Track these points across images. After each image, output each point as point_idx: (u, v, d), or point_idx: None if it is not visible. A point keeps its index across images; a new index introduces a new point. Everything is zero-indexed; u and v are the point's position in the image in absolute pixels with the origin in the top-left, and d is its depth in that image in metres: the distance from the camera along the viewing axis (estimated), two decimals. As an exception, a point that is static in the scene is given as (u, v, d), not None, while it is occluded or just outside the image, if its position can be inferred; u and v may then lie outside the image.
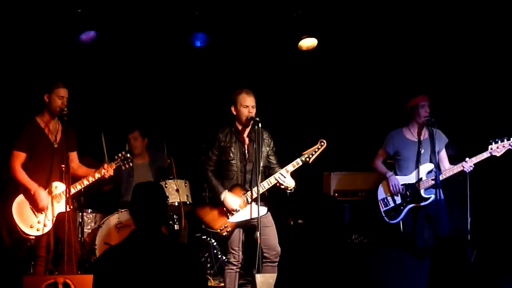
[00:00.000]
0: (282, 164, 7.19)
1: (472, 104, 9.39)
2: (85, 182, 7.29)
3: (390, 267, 4.15)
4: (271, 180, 7.10)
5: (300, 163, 7.13)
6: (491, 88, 9.32)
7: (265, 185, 7.10)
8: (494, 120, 9.18)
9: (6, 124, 8.35)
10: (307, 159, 7.15)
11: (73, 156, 7.47)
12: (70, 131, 7.37)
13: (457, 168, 7.73)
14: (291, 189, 7.14)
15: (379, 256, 4.22)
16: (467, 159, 7.69)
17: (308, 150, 7.18)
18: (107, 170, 7.31)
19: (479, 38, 9.12)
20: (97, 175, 7.31)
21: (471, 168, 7.70)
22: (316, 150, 7.19)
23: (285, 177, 7.08)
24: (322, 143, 7.20)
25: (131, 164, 7.54)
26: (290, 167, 7.11)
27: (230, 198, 7.08)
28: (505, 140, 7.69)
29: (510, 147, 7.69)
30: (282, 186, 7.10)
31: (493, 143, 7.69)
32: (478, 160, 7.70)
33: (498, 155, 7.69)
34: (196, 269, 4.55)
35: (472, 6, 8.84)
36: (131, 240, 4.53)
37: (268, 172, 7.21)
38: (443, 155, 7.89)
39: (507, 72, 9.14)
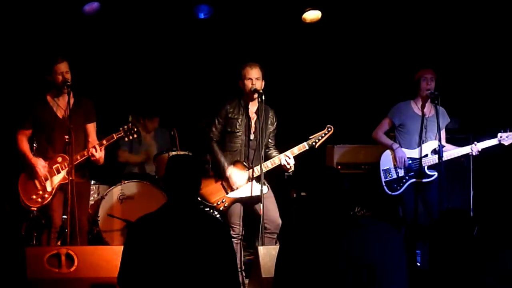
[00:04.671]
0: (283, 145, 7.18)
1: (476, 79, 9.34)
2: (78, 158, 7.08)
3: (374, 245, 4.13)
4: (275, 161, 7.07)
5: (307, 147, 7.13)
6: (495, 65, 9.26)
7: (268, 165, 7.07)
8: (497, 96, 9.16)
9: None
10: (314, 143, 7.14)
11: (89, 128, 7.30)
12: (84, 102, 7.28)
13: (464, 150, 7.70)
14: (290, 172, 7.17)
15: (363, 232, 4.20)
16: (475, 143, 7.65)
17: (315, 135, 7.18)
18: (96, 150, 7.08)
19: (487, 14, 9.05)
20: (85, 154, 7.11)
21: (478, 153, 7.67)
22: (323, 135, 7.20)
23: (290, 160, 7.06)
24: (330, 129, 7.21)
25: (135, 136, 7.34)
26: (296, 150, 7.10)
27: (236, 175, 7.05)
28: None
29: None
30: (288, 167, 7.08)
31: (503, 131, 7.67)
32: (485, 146, 7.68)
33: (506, 144, 7.68)
34: (228, 244, 4.58)
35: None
36: (164, 211, 4.54)
37: (264, 151, 7.15)
38: (442, 135, 7.79)
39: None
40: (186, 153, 8.83)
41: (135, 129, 7.26)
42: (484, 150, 7.71)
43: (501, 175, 8.96)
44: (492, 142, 7.69)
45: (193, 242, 4.40)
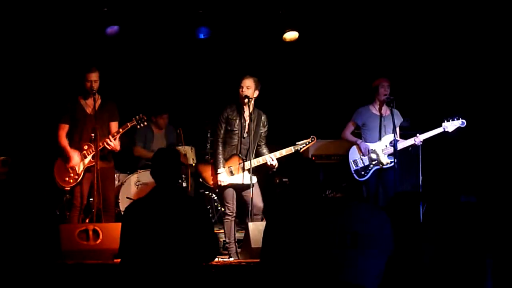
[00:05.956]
0: (272, 145, 7.19)
1: (426, 86, 9.37)
2: (100, 145, 7.05)
3: (358, 218, 4.12)
4: (260, 160, 7.05)
5: (293, 151, 7.11)
6: (440, 77, 9.30)
7: (260, 160, 7.06)
8: (441, 101, 9.18)
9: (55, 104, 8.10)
10: (299, 148, 7.14)
11: (112, 126, 7.24)
12: (109, 104, 7.26)
13: (409, 142, 7.71)
14: (274, 170, 7.14)
15: (350, 208, 4.18)
16: (418, 134, 7.66)
17: (301, 142, 7.18)
18: (110, 140, 7.05)
19: (433, 30, 9.08)
20: (101, 145, 7.08)
21: (421, 143, 7.68)
22: (307, 143, 7.20)
23: (273, 161, 7.05)
24: (313, 139, 7.22)
25: (145, 124, 7.26)
26: (284, 152, 7.09)
27: (223, 177, 7.02)
28: (456, 119, 7.66)
29: (460, 125, 7.67)
30: (271, 166, 7.08)
31: (446, 121, 7.68)
32: (430, 135, 7.69)
33: (450, 130, 7.68)
34: (205, 217, 4.56)
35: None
36: (152, 194, 4.51)
37: (256, 149, 7.15)
38: (397, 131, 7.80)
39: (459, 59, 9.12)
40: (190, 147, 8.84)
41: (145, 118, 7.20)
42: (430, 139, 7.72)
43: (443, 163, 8.99)
44: (438, 130, 7.71)
45: (176, 217, 4.39)
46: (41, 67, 9.21)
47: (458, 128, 7.69)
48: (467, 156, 8.94)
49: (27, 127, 9.06)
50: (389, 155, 7.69)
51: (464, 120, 7.68)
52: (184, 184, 8.63)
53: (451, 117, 7.70)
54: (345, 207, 4.18)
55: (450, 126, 7.67)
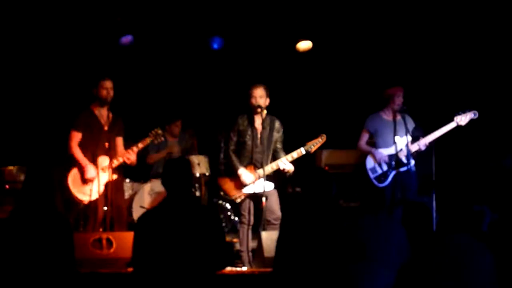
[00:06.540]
0: (286, 150, 7.13)
1: (437, 93, 9.35)
2: (115, 162, 7.08)
3: (368, 229, 4.11)
4: (274, 166, 7.03)
5: (304, 152, 7.04)
6: (453, 82, 9.27)
7: (273, 167, 7.03)
8: (453, 107, 9.15)
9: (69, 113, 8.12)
10: (309, 149, 7.06)
11: (119, 141, 7.25)
12: (118, 119, 7.25)
13: (415, 147, 7.58)
14: (290, 173, 7.09)
15: (363, 220, 4.18)
16: (420, 137, 7.59)
17: (311, 142, 7.09)
18: (130, 154, 7.10)
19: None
20: (120, 159, 7.10)
21: (426, 147, 7.57)
22: (317, 142, 7.11)
23: (285, 164, 7.01)
24: (323, 137, 7.14)
25: (162, 139, 7.31)
26: (295, 154, 7.03)
27: (245, 174, 7.00)
28: (467, 111, 7.56)
29: (473, 116, 7.57)
30: (285, 171, 7.05)
31: (457, 115, 7.57)
32: (440, 134, 7.55)
33: (463, 124, 7.56)
34: (217, 225, 4.54)
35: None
36: (164, 204, 4.51)
37: (273, 154, 7.14)
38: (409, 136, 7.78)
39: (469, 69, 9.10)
40: (203, 156, 8.85)
41: (161, 133, 7.23)
42: (445, 142, 7.67)
43: (456, 150, 8.93)
44: (451, 126, 7.54)
45: (188, 226, 4.39)
46: (56, 75, 9.27)
47: (471, 120, 7.55)
48: (482, 162, 8.87)
49: (43, 135, 9.11)
50: (405, 158, 7.63)
51: (476, 111, 7.55)
52: (197, 193, 8.64)
53: (462, 110, 7.58)
54: (355, 218, 4.18)
55: (463, 119, 7.54)
